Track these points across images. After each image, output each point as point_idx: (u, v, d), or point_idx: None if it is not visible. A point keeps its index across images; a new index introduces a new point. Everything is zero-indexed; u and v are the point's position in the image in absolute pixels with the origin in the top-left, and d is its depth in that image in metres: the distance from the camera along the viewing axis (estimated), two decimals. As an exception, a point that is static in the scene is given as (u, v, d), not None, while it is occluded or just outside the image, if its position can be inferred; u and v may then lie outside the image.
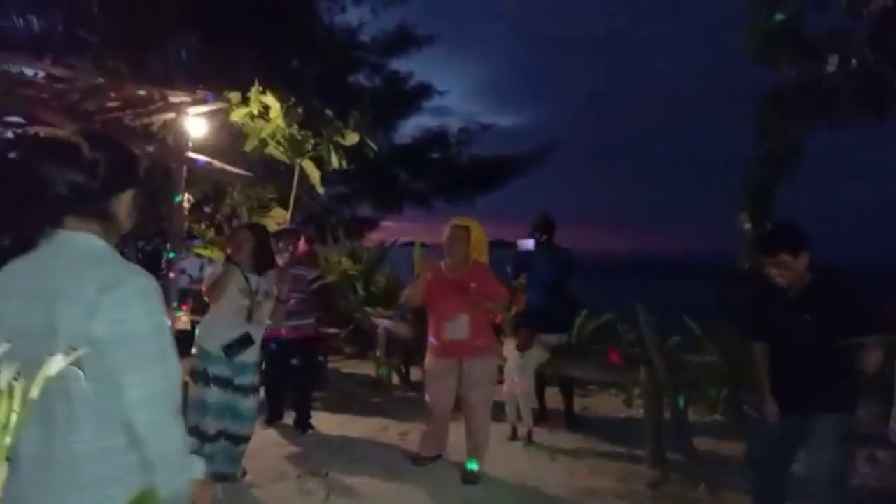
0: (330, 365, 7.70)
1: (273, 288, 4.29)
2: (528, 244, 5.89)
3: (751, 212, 6.27)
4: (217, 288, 4.08)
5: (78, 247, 1.47)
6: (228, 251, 4.31)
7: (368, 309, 7.70)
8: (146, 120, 6.49)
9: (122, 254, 1.55)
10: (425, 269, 4.74)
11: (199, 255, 7.91)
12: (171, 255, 6.11)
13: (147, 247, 12.53)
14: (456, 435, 4.81)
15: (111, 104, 6.16)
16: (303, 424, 5.48)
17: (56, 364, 1.23)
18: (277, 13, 13.74)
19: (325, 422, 5.71)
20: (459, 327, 4.42)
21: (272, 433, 5.42)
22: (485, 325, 4.57)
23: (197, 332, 4.33)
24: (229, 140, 7.55)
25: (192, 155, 6.17)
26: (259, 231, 4.41)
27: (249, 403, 4.11)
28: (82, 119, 6.09)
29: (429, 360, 4.67)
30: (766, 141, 6.15)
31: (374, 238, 13.30)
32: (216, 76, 9.79)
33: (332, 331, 7.19)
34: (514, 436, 5.43)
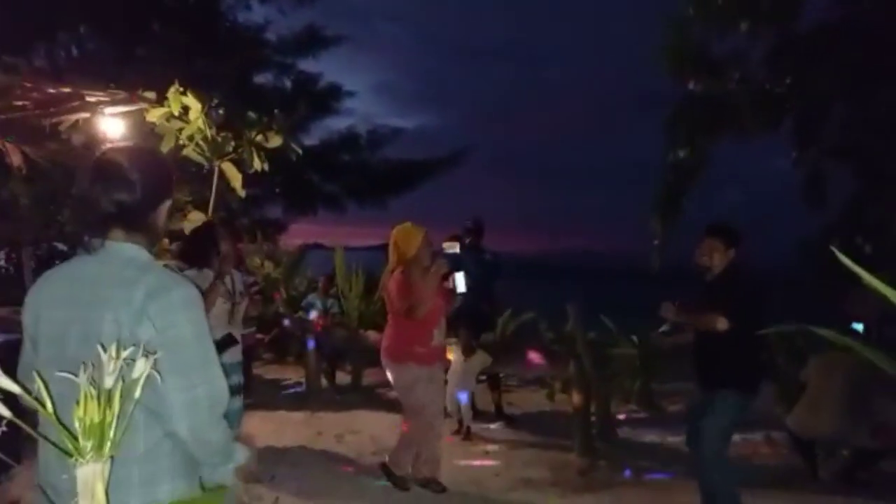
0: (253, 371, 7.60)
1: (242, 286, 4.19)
2: (454, 248, 6.06)
3: (661, 216, 6.77)
4: (210, 302, 3.78)
5: (124, 257, 1.55)
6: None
7: (302, 314, 7.64)
8: (55, 119, 6.19)
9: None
10: (404, 281, 4.31)
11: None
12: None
13: (38, 251, 11.84)
14: (389, 433, 4.87)
15: (19, 102, 5.84)
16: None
17: (139, 367, 1.29)
18: (178, 9, 13.31)
19: (258, 429, 5.65)
20: (442, 332, 4.39)
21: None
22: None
23: None
24: (142, 141, 7.31)
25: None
26: (231, 229, 4.33)
27: (237, 404, 3.97)
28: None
29: (414, 371, 4.24)
30: (674, 151, 6.65)
31: (287, 241, 13.16)
32: (114, 73, 9.39)
33: (259, 336, 7.11)
34: (459, 432, 5.60)
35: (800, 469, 4.85)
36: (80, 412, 1.29)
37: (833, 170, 6.82)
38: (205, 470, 1.51)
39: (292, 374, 8.03)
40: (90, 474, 1.26)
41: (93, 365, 1.30)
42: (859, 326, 5.15)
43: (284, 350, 8.89)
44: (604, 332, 7.00)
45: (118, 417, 1.29)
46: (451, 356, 5.51)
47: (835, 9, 6.19)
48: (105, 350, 1.31)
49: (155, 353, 1.36)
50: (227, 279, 4.05)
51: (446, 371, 5.25)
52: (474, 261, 5.93)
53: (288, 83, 14.92)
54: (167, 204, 1.67)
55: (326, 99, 14.90)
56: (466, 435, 5.56)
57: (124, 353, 1.31)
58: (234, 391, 4.03)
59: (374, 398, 6.96)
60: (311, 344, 6.97)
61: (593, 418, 5.40)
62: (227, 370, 4.13)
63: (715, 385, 3.68)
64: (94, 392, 1.27)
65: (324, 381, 7.25)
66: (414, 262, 4.27)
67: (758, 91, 6.22)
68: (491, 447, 5.40)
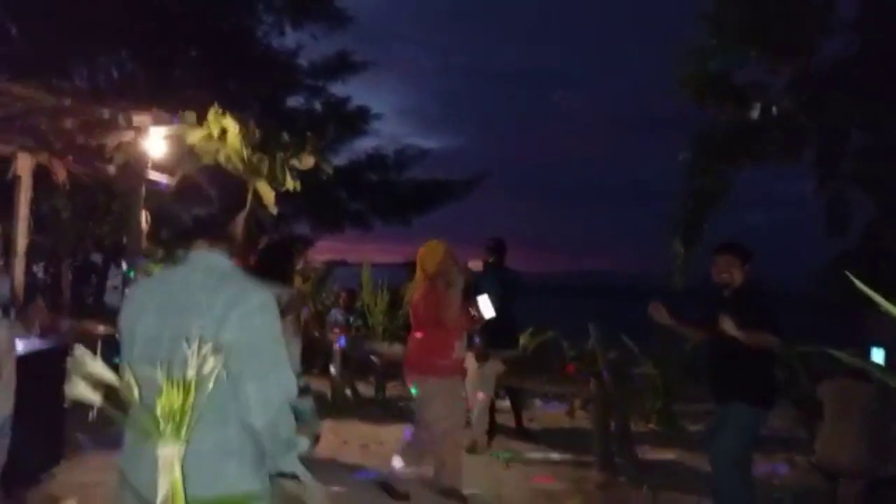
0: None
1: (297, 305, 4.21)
2: (477, 266, 6.25)
3: (683, 239, 6.91)
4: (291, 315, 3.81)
5: (209, 266, 1.73)
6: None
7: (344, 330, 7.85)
8: (101, 140, 6.51)
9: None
10: (431, 295, 4.50)
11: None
12: (131, 272, 6.16)
13: (75, 262, 12.25)
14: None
15: (68, 125, 6.16)
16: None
17: (210, 364, 1.49)
18: (215, 35, 13.77)
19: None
20: (464, 345, 4.58)
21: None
22: None
23: None
24: (180, 161, 7.63)
25: (153, 176, 6.24)
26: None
27: (308, 404, 3.96)
28: (38, 138, 6.10)
29: (434, 383, 4.39)
30: (696, 179, 6.80)
31: (311, 257, 13.43)
32: (152, 96, 9.76)
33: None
34: (475, 445, 5.71)
35: (820, 491, 4.92)
36: (163, 399, 1.49)
37: (853, 196, 6.91)
38: (271, 461, 1.67)
39: (317, 386, 8.22)
40: (169, 455, 1.46)
41: (182, 365, 1.48)
42: (880, 354, 5.21)
43: (309, 362, 9.08)
44: (624, 351, 7.11)
45: (193, 406, 1.48)
46: (465, 364, 5.68)
47: (854, 41, 6.34)
48: (184, 352, 1.50)
49: (231, 352, 1.54)
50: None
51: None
52: (496, 280, 6.10)
53: (318, 106, 15.35)
54: (242, 215, 1.85)
55: (355, 121, 15.31)
56: (482, 444, 5.68)
57: (205, 350, 1.50)
58: (302, 392, 4.13)
59: (397, 410, 7.13)
60: (341, 341, 7.14)
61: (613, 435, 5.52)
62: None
63: (729, 397, 3.76)
64: (175, 382, 1.48)
65: (348, 393, 7.45)
66: (438, 275, 4.46)
67: (779, 119, 6.36)
68: (511, 461, 5.54)
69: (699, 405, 6.84)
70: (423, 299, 4.48)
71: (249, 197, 7.80)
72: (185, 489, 1.47)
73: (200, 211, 1.75)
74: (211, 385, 1.48)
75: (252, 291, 1.67)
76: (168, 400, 1.48)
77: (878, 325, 5.12)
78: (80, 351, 1.48)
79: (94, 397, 1.45)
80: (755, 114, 6.36)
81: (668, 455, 5.80)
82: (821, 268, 6.81)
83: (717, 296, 3.91)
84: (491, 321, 5.91)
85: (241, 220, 1.86)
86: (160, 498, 1.21)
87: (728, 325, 3.72)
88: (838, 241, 6.89)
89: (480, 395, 5.73)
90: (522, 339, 7.25)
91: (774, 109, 6.36)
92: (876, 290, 1.65)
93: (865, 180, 6.56)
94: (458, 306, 4.43)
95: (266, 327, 1.65)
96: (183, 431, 1.45)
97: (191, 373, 1.48)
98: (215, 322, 1.59)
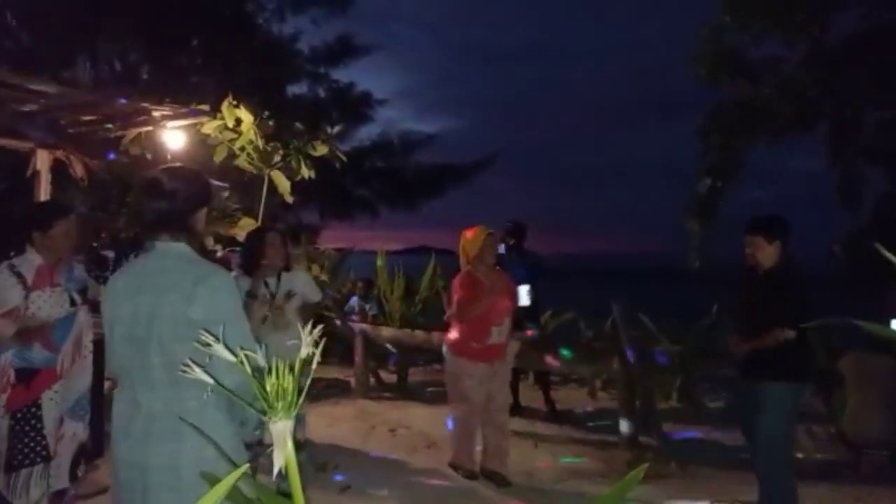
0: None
1: (304, 288, 4.24)
2: (500, 248, 6.33)
3: (698, 217, 6.96)
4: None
5: (178, 253, 1.95)
6: (259, 259, 4.18)
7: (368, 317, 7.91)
8: (118, 133, 6.53)
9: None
10: (465, 282, 4.58)
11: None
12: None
13: (90, 255, 12.26)
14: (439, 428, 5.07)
15: (85, 118, 6.18)
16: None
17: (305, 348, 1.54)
18: (217, 22, 13.70)
19: (313, 423, 5.91)
20: (504, 331, 4.56)
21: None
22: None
23: None
24: (195, 152, 7.65)
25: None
26: (281, 232, 4.38)
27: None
28: (56, 131, 6.11)
29: (464, 365, 4.51)
30: (709, 155, 6.83)
31: (323, 244, 13.47)
32: (156, 86, 9.76)
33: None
34: None
35: (841, 462, 5.03)
36: (273, 379, 1.57)
37: (866, 170, 6.95)
38: (247, 414, 1.90)
39: (334, 374, 8.31)
40: (282, 430, 1.53)
41: (158, 340, 1.80)
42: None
43: (327, 351, 9.15)
44: (643, 331, 7.18)
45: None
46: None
47: (869, 16, 6.34)
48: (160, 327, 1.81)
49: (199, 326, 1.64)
50: (272, 282, 4.13)
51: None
52: (517, 262, 6.17)
53: (322, 92, 15.31)
54: (204, 210, 2.06)
55: (359, 107, 15.28)
56: None
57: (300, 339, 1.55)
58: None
59: (421, 395, 7.22)
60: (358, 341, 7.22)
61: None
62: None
63: (763, 378, 3.63)
64: (280, 364, 1.54)
65: (370, 380, 7.52)
66: (478, 260, 4.56)
67: (793, 94, 6.37)
68: (539, 440, 5.62)
69: (717, 381, 6.95)
70: (459, 284, 4.57)
71: (265, 187, 7.89)
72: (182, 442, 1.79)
73: (161, 205, 1.94)
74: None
75: (215, 273, 1.93)
76: (278, 380, 1.56)
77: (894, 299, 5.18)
78: None
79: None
80: (770, 89, 6.38)
81: (693, 432, 5.89)
82: (838, 240, 6.86)
83: (752, 276, 3.78)
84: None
85: (202, 215, 2.06)
86: (276, 470, 1.29)
87: (735, 347, 3.76)
88: (847, 217, 6.94)
89: None
90: (542, 320, 7.32)
91: (788, 85, 6.38)
92: (889, 264, 1.68)
93: (879, 154, 6.60)
94: (490, 294, 4.47)
95: (229, 304, 1.89)
96: (292, 409, 1.52)
97: (304, 350, 1.54)
98: (184, 299, 1.82)
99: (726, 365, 6.65)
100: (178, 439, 1.80)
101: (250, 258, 4.25)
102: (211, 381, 1.67)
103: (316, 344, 1.35)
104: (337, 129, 7.96)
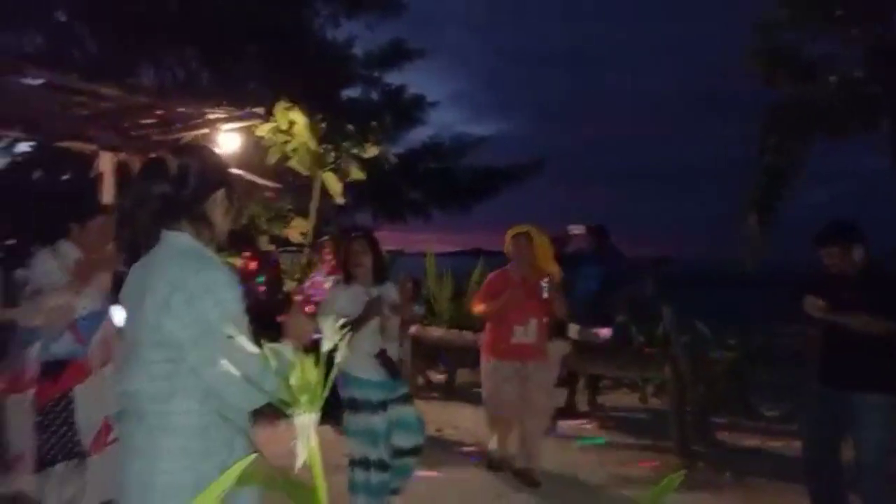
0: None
1: (395, 298, 3.95)
2: (580, 229, 6.41)
3: (757, 218, 6.75)
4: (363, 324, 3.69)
5: (169, 246, 1.68)
6: (347, 268, 3.94)
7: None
8: (176, 136, 6.74)
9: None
10: (493, 280, 4.76)
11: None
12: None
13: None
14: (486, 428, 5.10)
15: (146, 122, 6.39)
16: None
17: (330, 340, 1.53)
18: (273, 29, 14.00)
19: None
20: (529, 331, 4.57)
21: (324, 430, 5.68)
22: (545, 330, 4.74)
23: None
24: (251, 154, 7.84)
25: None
26: (373, 239, 4.03)
27: (414, 412, 3.95)
28: (118, 135, 6.34)
29: (490, 363, 4.69)
30: (766, 156, 6.62)
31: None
32: (216, 92, 10.01)
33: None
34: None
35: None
36: (298, 372, 1.55)
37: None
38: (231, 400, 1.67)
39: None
40: (306, 423, 1.52)
41: (139, 351, 1.63)
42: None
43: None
44: (697, 336, 7.00)
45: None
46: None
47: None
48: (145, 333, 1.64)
49: (176, 341, 1.61)
50: (375, 292, 3.86)
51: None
52: (593, 262, 6.20)
53: (375, 96, 15.47)
54: (221, 193, 1.76)
55: (412, 110, 15.39)
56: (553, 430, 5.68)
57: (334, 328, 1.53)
58: (407, 399, 3.93)
59: (469, 396, 7.19)
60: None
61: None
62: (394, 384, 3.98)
63: (858, 388, 3.36)
64: (305, 357, 1.53)
65: (419, 380, 7.55)
66: (516, 261, 4.71)
67: (854, 92, 6.11)
68: (588, 446, 5.54)
69: (775, 389, 6.70)
70: (484, 285, 4.82)
71: (318, 188, 8.02)
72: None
73: (165, 189, 1.68)
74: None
75: (194, 274, 1.62)
76: (303, 374, 1.55)
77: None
78: None
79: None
80: (829, 87, 6.14)
81: (747, 441, 5.69)
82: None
83: (839, 279, 3.50)
84: (587, 304, 5.99)
85: (219, 199, 1.77)
86: (299, 463, 1.28)
87: (813, 307, 3.44)
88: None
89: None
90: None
91: (848, 83, 6.13)
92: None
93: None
94: (504, 295, 4.57)
95: (204, 312, 1.59)
96: (315, 403, 1.51)
97: (326, 344, 1.52)
98: (157, 308, 1.60)
99: (784, 373, 6.44)
100: (139, 421, 1.64)
101: (341, 267, 4.09)
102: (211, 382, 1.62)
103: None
104: (387, 131, 8.05)
